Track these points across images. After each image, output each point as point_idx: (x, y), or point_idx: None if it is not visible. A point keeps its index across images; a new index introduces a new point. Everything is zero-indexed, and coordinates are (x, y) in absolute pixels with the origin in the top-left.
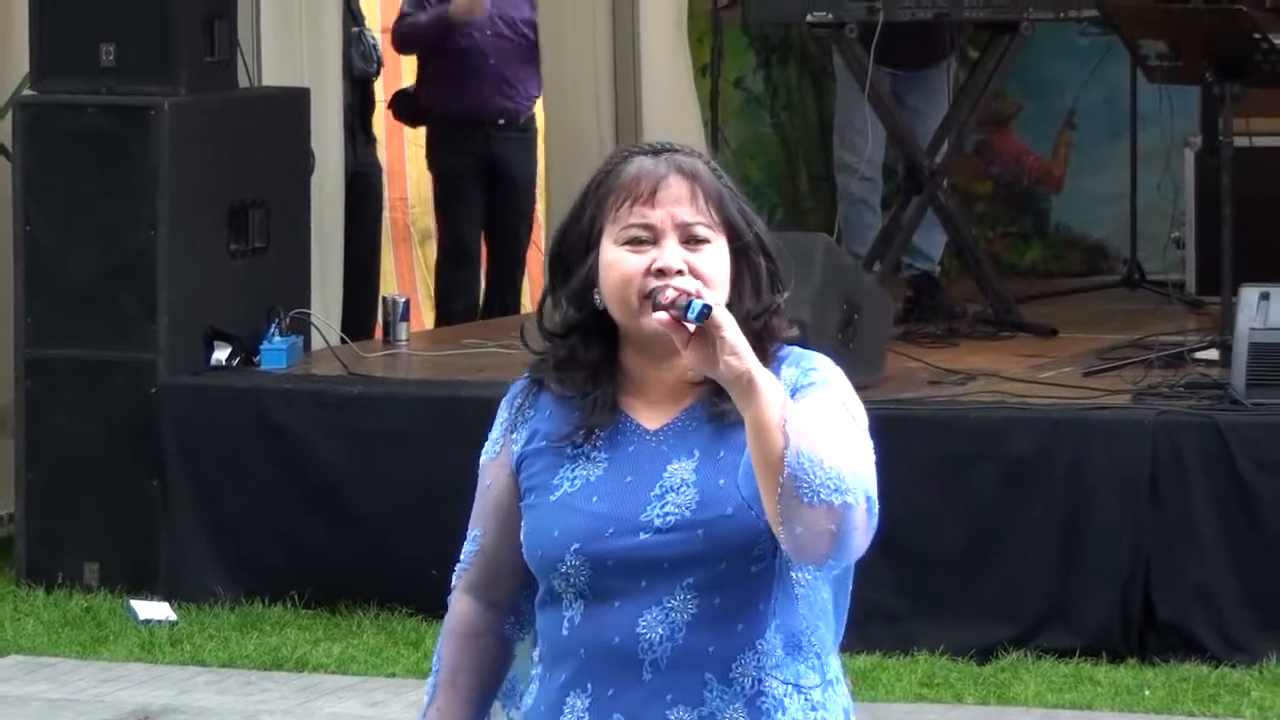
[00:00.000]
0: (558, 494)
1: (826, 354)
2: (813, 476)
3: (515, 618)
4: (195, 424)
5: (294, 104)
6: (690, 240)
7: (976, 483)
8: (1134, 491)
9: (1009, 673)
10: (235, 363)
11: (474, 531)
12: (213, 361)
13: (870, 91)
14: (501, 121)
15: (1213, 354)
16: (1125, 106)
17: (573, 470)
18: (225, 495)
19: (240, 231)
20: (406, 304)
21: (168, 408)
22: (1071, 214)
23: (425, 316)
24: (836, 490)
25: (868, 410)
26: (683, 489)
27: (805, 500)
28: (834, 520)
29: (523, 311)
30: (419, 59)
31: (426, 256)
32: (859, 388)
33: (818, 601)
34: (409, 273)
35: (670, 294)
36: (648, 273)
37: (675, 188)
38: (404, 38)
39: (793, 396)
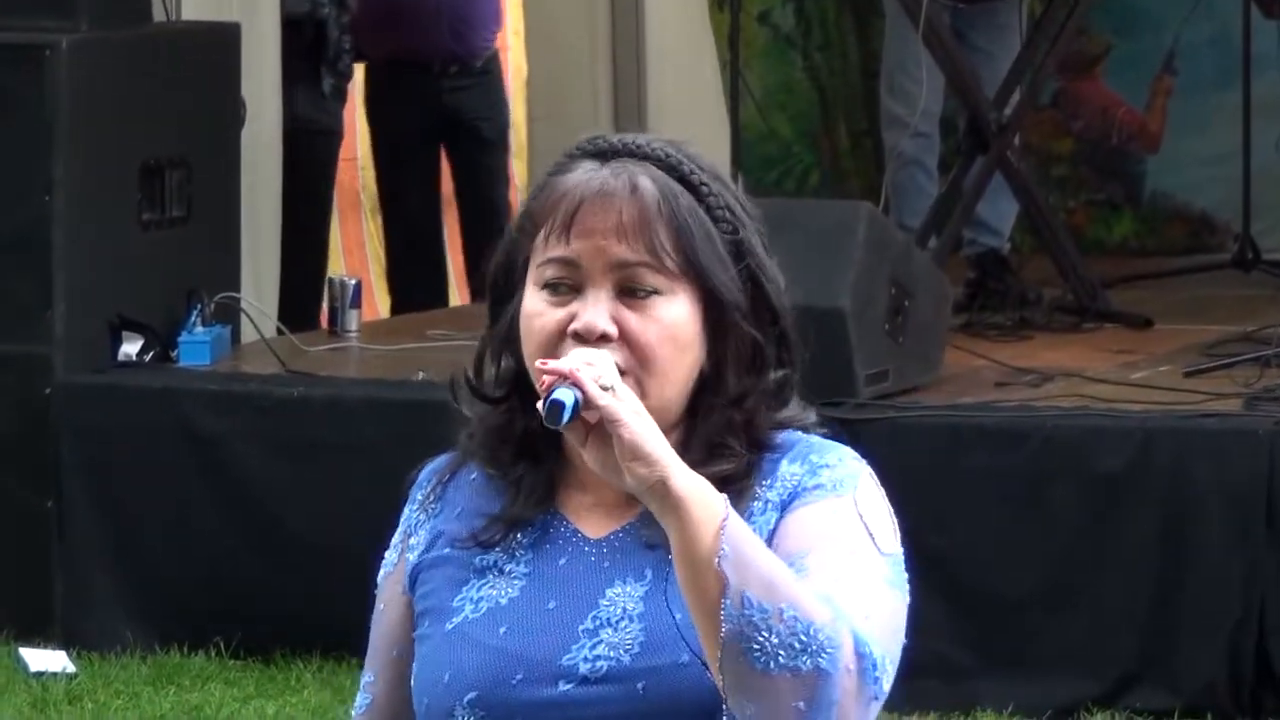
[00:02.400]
0: (455, 621)
1: (871, 347)
2: (766, 633)
3: None
4: (99, 432)
5: (221, 42)
6: (629, 291)
7: (1054, 506)
8: (1247, 517)
9: None
10: (148, 357)
11: (365, 677)
12: (121, 356)
13: (926, 28)
14: (454, 69)
15: None
16: (1237, 47)
17: (479, 588)
18: (135, 519)
19: (155, 198)
20: (357, 287)
21: (66, 412)
22: (1170, 179)
23: (379, 302)
24: (805, 651)
25: (920, 417)
26: (624, 624)
27: (755, 666)
28: (803, 693)
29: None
30: None
31: (379, 229)
32: (909, 389)
33: None
34: (359, 249)
35: (545, 379)
36: (563, 333)
37: (616, 210)
38: None
39: (789, 505)
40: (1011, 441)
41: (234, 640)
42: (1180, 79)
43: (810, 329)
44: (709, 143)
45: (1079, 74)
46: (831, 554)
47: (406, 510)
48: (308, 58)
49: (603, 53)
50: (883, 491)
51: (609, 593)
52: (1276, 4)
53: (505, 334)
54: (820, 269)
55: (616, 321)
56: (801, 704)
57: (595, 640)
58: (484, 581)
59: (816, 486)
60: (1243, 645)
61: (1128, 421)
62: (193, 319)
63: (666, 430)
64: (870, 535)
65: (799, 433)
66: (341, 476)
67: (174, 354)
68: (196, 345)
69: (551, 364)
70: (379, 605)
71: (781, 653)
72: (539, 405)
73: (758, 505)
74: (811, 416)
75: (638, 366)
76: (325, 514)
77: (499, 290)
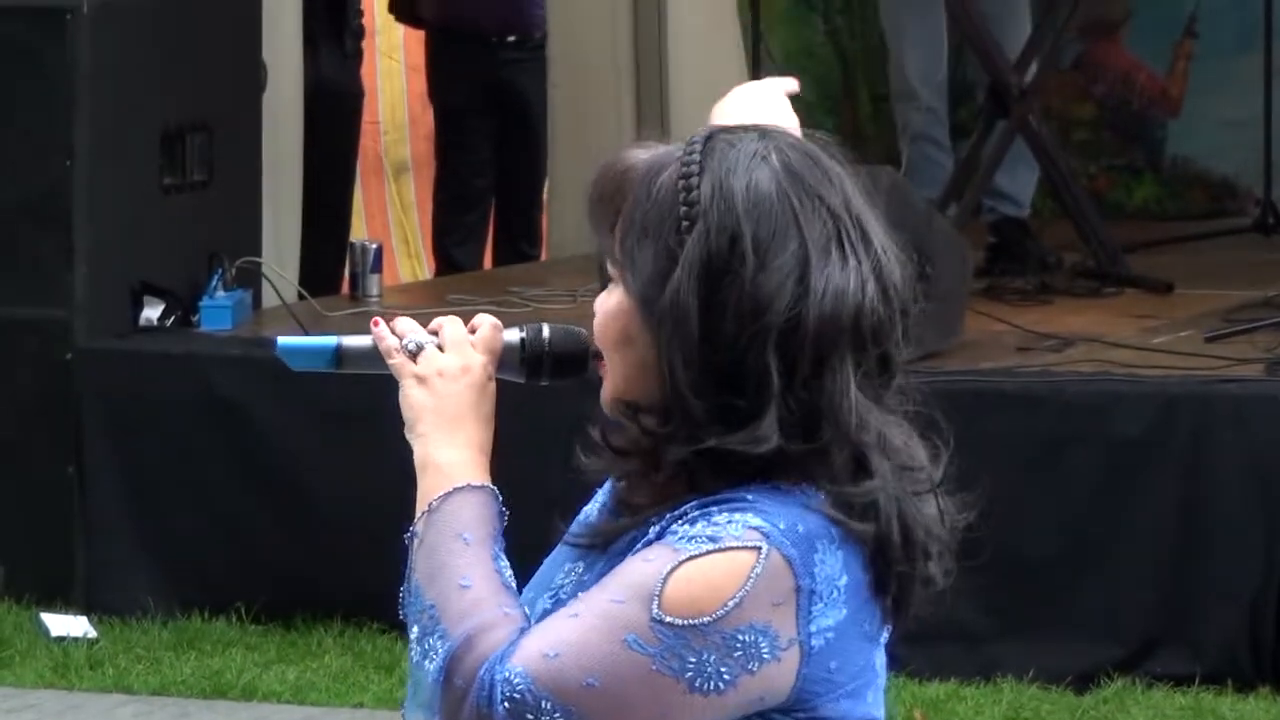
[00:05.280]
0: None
1: None
2: (415, 623)
3: None
4: (120, 397)
5: (242, 6)
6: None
7: (1074, 472)
8: (1267, 482)
9: (1113, 704)
10: (170, 322)
11: None
12: (142, 321)
13: None
14: (511, 38)
15: None
16: (1258, 11)
17: (583, 510)
18: (157, 485)
19: (176, 162)
20: (378, 251)
21: (87, 377)
22: (1192, 143)
23: (400, 266)
24: (426, 653)
25: (940, 382)
26: (548, 599)
27: (411, 654)
28: (422, 693)
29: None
30: None
31: (401, 193)
32: (929, 355)
33: None
34: (381, 214)
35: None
36: None
37: (617, 198)
38: None
39: (634, 548)
40: (1032, 406)
41: (255, 605)
42: (1201, 43)
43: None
44: None
45: (1100, 38)
46: (592, 596)
47: None
48: (329, 18)
49: (623, 18)
50: (761, 575)
51: (567, 567)
52: None
53: None
54: None
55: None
56: (423, 701)
57: (543, 608)
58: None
59: (669, 533)
60: (1263, 610)
61: (1148, 386)
62: (214, 284)
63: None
64: (655, 594)
65: (800, 495)
66: (362, 441)
67: (195, 319)
68: (218, 310)
69: (382, 325)
70: None
71: (416, 647)
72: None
73: (640, 543)
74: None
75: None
76: (347, 479)
77: None
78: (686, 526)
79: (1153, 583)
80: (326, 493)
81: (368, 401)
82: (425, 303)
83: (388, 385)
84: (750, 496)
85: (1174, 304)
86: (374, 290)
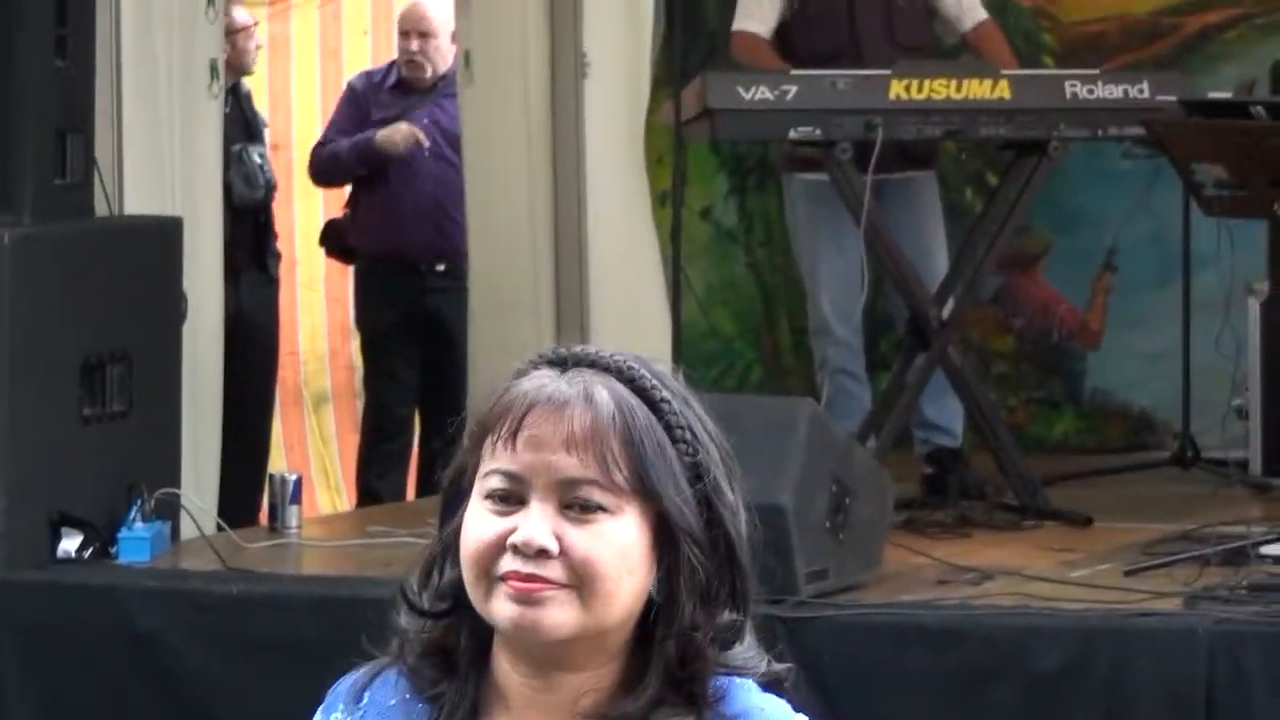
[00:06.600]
0: None
1: (811, 545)
2: None
3: None
4: (39, 630)
5: (163, 236)
6: (574, 506)
7: (993, 705)
8: (1185, 716)
9: None
10: (88, 554)
11: None
12: (60, 553)
13: (866, 225)
14: (440, 267)
15: None
16: (1176, 245)
17: None
18: (74, 717)
19: (96, 392)
20: (298, 483)
21: (4, 609)
22: (1111, 376)
23: (320, 497)
24: None
25: (860, 615)
26: None
27: None
28: None
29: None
30: (351, 187)
31: (321, 425)
32: (849, 587)
33: None
34: (300, 444)
35: None
36: (502, 546)
37: (567, 421)
38: (322, 168)
39: None
40: (951, 640)
41: None
42: (1120, 276)
43: (753, 528)
44: (650, 339)
45: (1020, 271)
46: None
47: None
48: (250, 248)
49: (544, 248)
50: None
51: None
52: (1216, 202)
53: (452, 543)
54: (761, 466)
55: (558, 537)
56: None
57: None
58: None
59: None
60: None
61: (1067, 620)
62: (132, 515)
63: (608, 661)
64: None
65: (737, 680)
66: (281, 675)
67: (114, 550)
68: (136, 542)
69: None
70: None
71: None
72: None
73: None
74: (762, 665)
75: (580, 585)
76: (266, 713)
77: (449, 498)
78: None
79: None
80: None
81: (289, 634)
82: (345, 535)
83: (308, 618)
84: (740, 699)
85: (1093, 537)
86: (293, 522)
